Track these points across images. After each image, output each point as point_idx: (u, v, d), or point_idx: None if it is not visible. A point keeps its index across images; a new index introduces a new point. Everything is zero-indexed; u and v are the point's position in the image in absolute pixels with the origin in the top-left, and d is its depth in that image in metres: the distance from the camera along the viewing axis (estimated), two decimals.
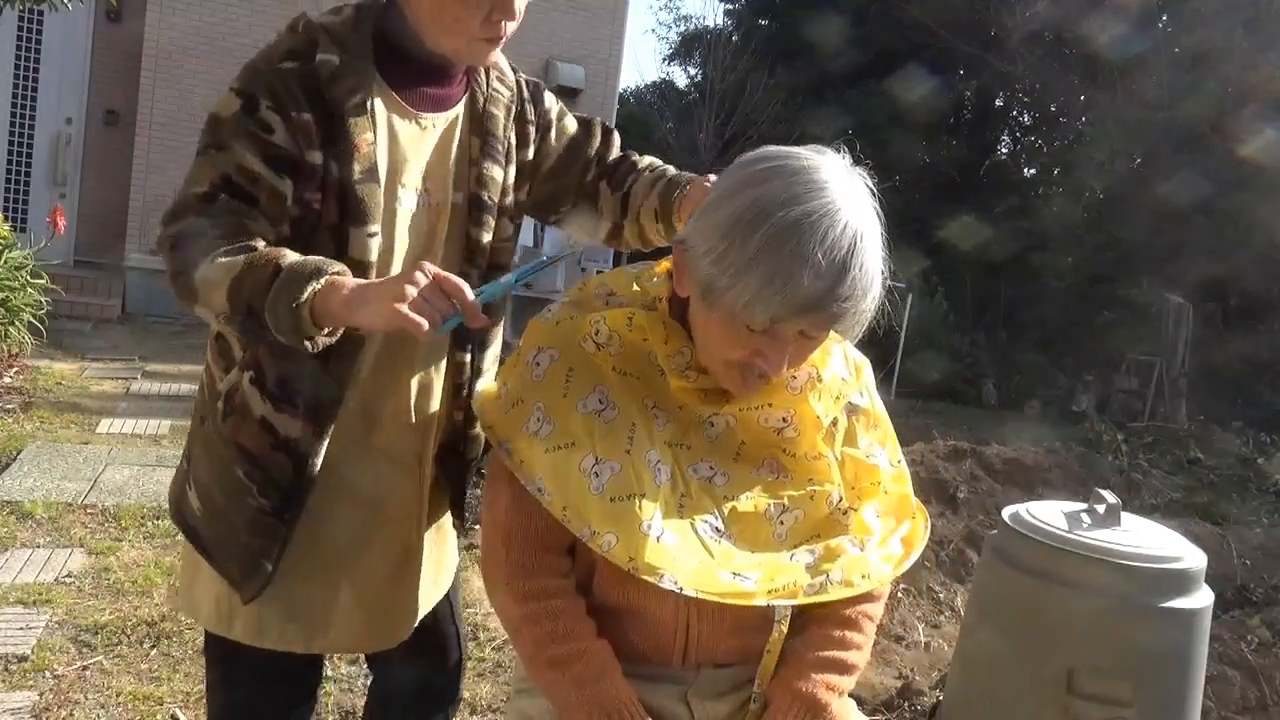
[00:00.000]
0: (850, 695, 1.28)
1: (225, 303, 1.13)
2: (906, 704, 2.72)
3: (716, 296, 1.12)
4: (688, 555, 1.16)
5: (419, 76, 1.32)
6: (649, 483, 1.18)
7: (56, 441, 4.52)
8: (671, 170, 1.44)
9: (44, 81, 8.60)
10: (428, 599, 1.50)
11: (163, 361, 6.71)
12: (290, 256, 1.13)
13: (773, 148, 1.18)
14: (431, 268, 1.08)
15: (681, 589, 1.12)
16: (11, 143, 8.57)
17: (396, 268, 1.31)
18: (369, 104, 1.26)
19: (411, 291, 1.05)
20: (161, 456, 4.47)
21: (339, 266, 1.13)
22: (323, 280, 1.09)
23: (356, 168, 1.24)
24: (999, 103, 15.87)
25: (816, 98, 13.75)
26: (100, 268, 8.57)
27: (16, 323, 5.59)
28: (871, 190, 1.15)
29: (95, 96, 8.78)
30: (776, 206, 1.08)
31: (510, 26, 1.29)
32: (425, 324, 1.04)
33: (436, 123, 1.35)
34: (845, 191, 1.11)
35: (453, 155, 1.37)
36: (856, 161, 1.17)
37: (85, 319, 7.80)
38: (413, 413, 1.39)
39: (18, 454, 4.22)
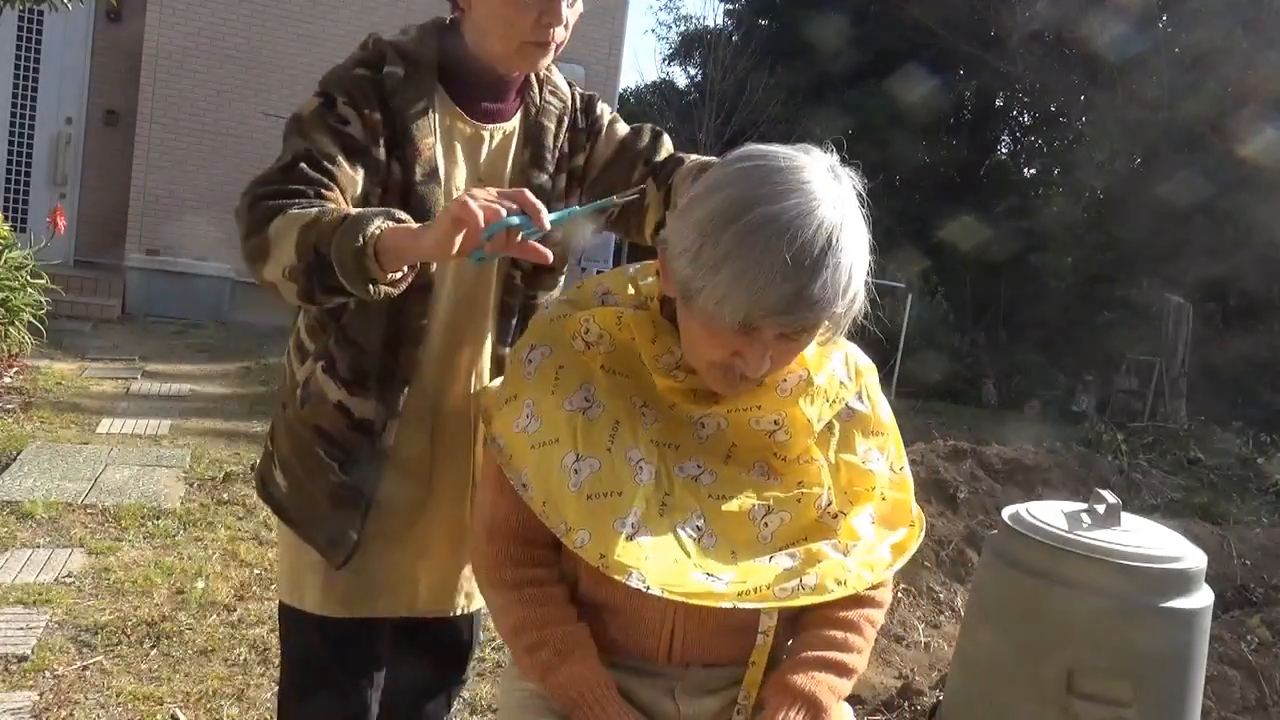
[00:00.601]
0: (850, 696, 1.28)
1: (293, 251, 1.16)
2: (906, 704, 2.73)
3: (692, 296, 1.11)
4: (661, 554, 1.16)
5: (478, 91, 1.42)
6: (628, 480, 1.18)
7: (56, 441, 4.52)
8: (716, 159, 1.46)
9: (44, 81, 8.60)
10: None
11: (163, 361, 6.71)
12: (358, 208, 1.20)
13: (757, 146, 1.17)
14: (488, 189, 1.12)
15: (648, 588, 1.12)
16: (11, 143, 8.57)
17: (449, 264, 1.40)
18: (430, 112, 1.37)
19: (470, 200, 1.08)
20: (161, 456, 4.47)
21: (404, 215, 1.16)
22: (388, 221, 1.13)
23: (419, 170, 1.35)
24: (999, 103, 15.86)
25: (816, 98, 13.73)
26: (100, 268, 8.57)
27: (16, 323, 5.59)
28: (859, 192, 1.13)
29: (95, 96, 8.78)
30: (750, 205, 1.07)
31: (559, 33, 1.36)
32: (481, 215, 1.05)
33: (494, 134, 1.44)
34: (825, 191, 1.08)
35: (507, 165, 1.46)
36: (846, 161, 1.15)
37: (85, 319, 7.80)
38: (466, 400, 1.48)
39: (18, 454, 4.22)
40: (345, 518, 1.40)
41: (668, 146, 1.55)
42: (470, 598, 1.58)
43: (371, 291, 1.14)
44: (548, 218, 1.11)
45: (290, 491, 1.46)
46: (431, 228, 1.10)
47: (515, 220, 1.10)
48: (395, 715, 1.63)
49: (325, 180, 1.26)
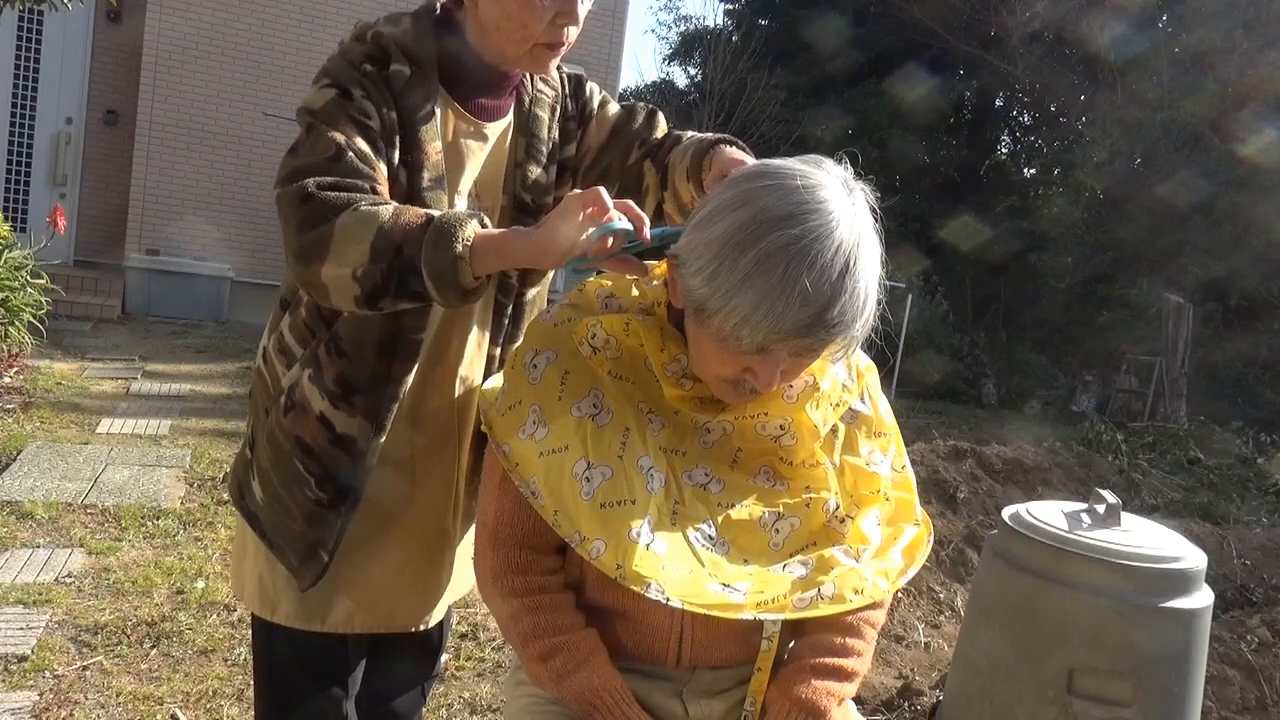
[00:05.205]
0: (851, 697, 1.28)
1: (367, 251, 1.11)
2: (906, 704, 2.73)
3: (707, 316, 1.10)
4: (677, 564, 1.15)
5: (477, 89, 1.36)
6: (640, 489, 1.17)
7: (56, 441, 4.52)
8: (714, 136, 1.40)
9: (44, 81, 8.61)
10: (462, 585, 1.56)
11: (163, 361, 6.71)
12: (435, 209, 1.15)
13: (769, 163, 1.15)
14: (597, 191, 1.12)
15: (669, 600, 1.11)
16: (11, 143, 8.57)
17: None
18: (435, 114, 1.30)
19: (591, 196, 1.08)
20: (161, 456, 4.47)
21: (485, 218, 1.14)
22: (479, 224, 1.11)
23: (426, 175, 1.28)
24: (999, 103, 15.86)
25: (816, 98, 13.73)
26: (100, 268, 8.58)
27: (16, 323, 5.59)
28: (872, 207, 1.12)
29: (95, 96, 8.79)
30: (767, 228, 1.05)
31: (572, 33, 1.30)
32: (611, 206, 1.07)
33: (494, 131, 1.39)
34: (841, 211, 1.07)
35: (504, 160, 1.41)
36: (858, 174, 1.14)
37: (85, 319, 7.80)
38: (452, 407, 1.43)
39: (18, 454, 4.22)
40: (318, 537, 1.34)
41: (662, 125, 1.51)
42: (445, 606, 1.54)
43: (449, 298, 1.11)
44: (649, 230, 1.11)
45: (266, 504, 1.38)
46: (555, 227, 1.08)
47: (628, 226, 1.09)
48: (371, 714, 1.61)
49: (374, 174, 1.20)
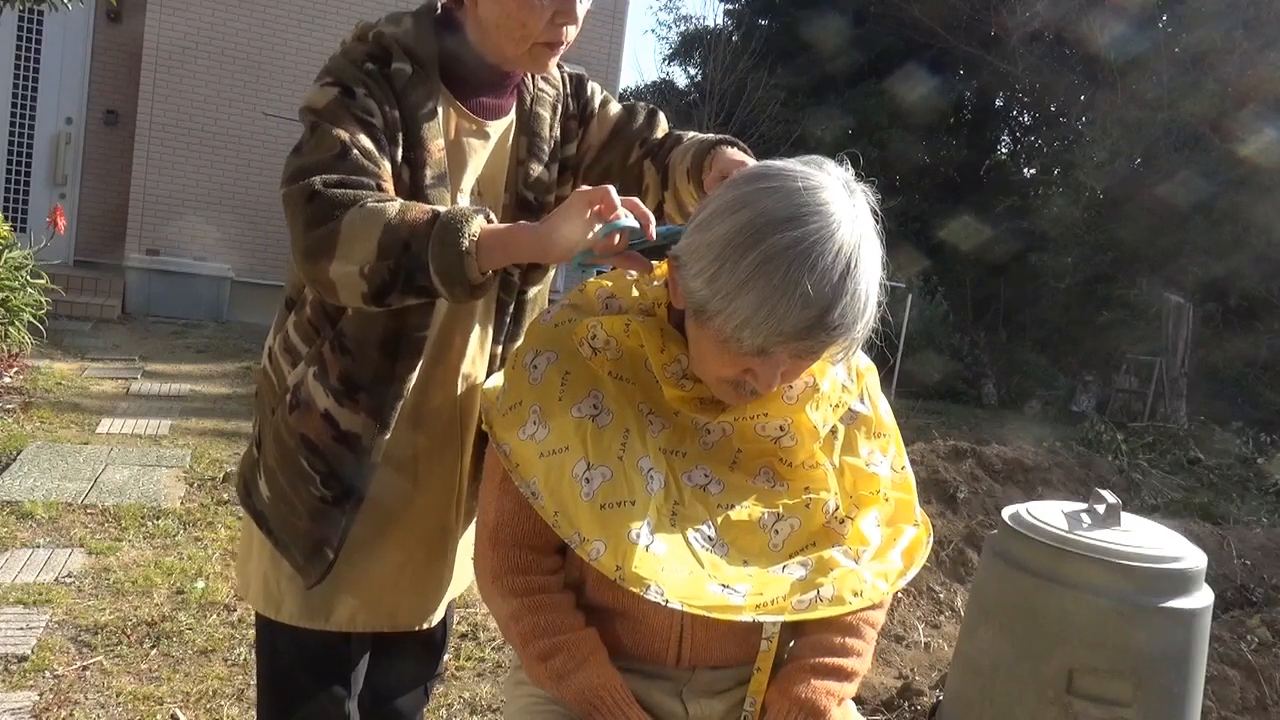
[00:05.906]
0: (851, 697, 1.28)
1: (374, 248, 1.11)
2: (906, 704, 2.73)
3: (707, 318, 1.10)
4: (676, 565, 1.14)
5: (479, 88, 1.37)
6: (640, 490, 1.17)
7: (56, 441, 4.52)
8: (715, 137, 1.41)
9: (44, 81, 8.61)
10: (461, 583, 1.56)
11: (163, 361, 6.71)
12: (442, 206, 1.16)
13: (770, 164, 1.15)
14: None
15: (668, 601, 1.11)
16: (11, 143, 8.57)
17: None
18: (437, 112, 1.31)
19: (599, 194, 1.09)
20: (161, 456, 4.47)
21: (491, 214, 1.14)
22: (489, 219, 1.11)
23: (429, 173, 1.29)
24: (999, 103, 15.87)
25: (816, 98, 13.75)
26: (100, 268, 8.58)
27: (16, 323, 5.59)
28: (873, 209, 1.12)
29: (95, 96, 8.79)
30: (768, 230, 1.05)
31: (571, 32, 1.31)
32: (619, 201, 1.08)
33: (496, 130, 1.40)
34: (842, 213, 1.07)
35: (505, 158, 1.42)
36: (859, 176, 1.13)
37: (85, 319, 7.80)
38: (454, 405, 1.43)
39: (18, 454, 4.22)
40: (323, 535, 1.35)
41: (663, 125, 1.52)
42: (448, 604, 1.55)
43: (464, 295, 1.11)
44: (654, 228, 1.11)
45: (272, 501, 1.39)
46: (566, 223, 1.08)
47: (634, 223, 1.10)
48: (374, 714, 1.61)
49: (378, 171, 1.20)
